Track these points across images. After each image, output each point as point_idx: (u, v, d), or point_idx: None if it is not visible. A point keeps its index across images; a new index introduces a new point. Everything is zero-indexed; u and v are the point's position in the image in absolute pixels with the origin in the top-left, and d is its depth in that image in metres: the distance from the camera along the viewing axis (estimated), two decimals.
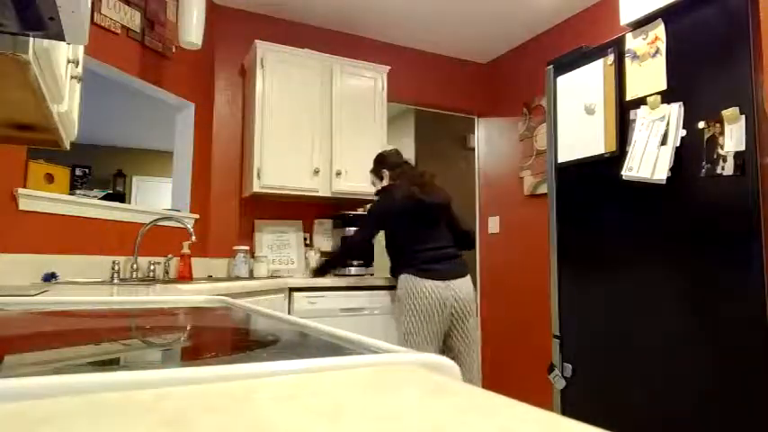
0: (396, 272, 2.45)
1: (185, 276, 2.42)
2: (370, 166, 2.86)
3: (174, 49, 2.66)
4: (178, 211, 2.71)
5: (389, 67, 3.29)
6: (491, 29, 3.45)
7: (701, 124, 1.52)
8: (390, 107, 3.51)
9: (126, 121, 5.48)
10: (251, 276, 2.85)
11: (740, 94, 1.43)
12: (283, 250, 3.12)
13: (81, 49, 1.44)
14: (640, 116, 1.70)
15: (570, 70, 2.00)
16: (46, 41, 0.86)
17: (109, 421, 0.23)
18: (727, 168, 1.44)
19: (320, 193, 2.98)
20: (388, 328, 2.76)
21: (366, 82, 3.19)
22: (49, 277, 1.89)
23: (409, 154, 4.61)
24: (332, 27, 3.43)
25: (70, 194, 2.09)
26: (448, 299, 2.28)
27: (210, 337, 0.72)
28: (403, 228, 2.40)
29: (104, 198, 3.58)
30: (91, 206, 2.15)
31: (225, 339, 0.68)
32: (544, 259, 3.22)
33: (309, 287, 2.62)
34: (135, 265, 2.27)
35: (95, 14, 2.19)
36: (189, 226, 2.31)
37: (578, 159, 1.93)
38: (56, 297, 1.02)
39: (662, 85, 1.64)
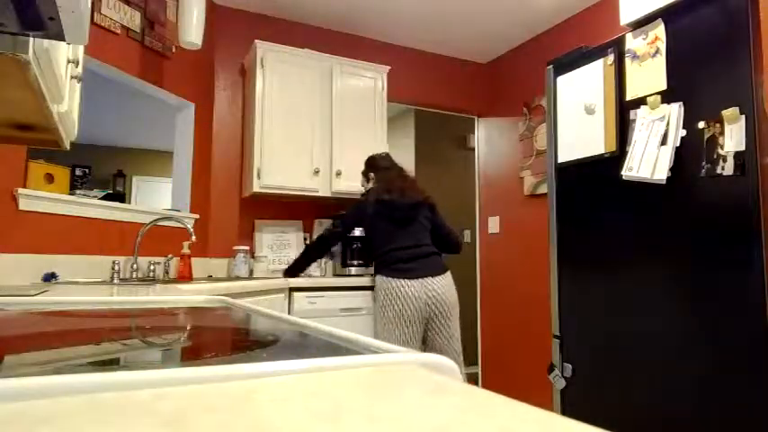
0: (374, 273, 2.49)
1: (185, 276, 2.42)
2: None
3: (173, 49, 2.66)
4: (178, 211, 2.71)
5: (389, 67, 3.29)
6: (491, 29, 3.45)
7: (701, 124, 1.52)
8: (390, 107, 3.52)
9: (126, 121, 5.48)
10: (251, 276, 2.85)
11: (740, 94, 1.43)
12: (283, 250, 3.12)
13: (81, 49, 1.44)
14: (640, 116, 1.70)
15: (570, 70, 2.00)
16: (46, 41, 0.86)
17: (108, 421, 0.23)
18: (727, 168, 1.44)
19: (320, 193, 2.98)
20: None
21: (366, 82, 3.19)
22: (49, 277, 1.89)
23: (409, 154, 4.61)
24: (332, 27, 3.43)
25: (70, 194, 2.09)
26: (421, 297, 2.27)
27: (210, 337, 0.72)
28: (376, 229, 2.44)
29: (104, 198, 3.58)
30: (91, 206, 2.15)
31: (225, 339, 0.68)
32: (544, 259, 3.22)
33: (309, 287, 2.62)
34: (135, 265, 2.27)
35: (95, 14, 2.19)
36: (189, 226, 2.31)
37: (578, 159, 1.93)
38: (56, 297, 1.02)
39: (662, 85, 1.64)
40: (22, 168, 1.89)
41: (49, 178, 2.02)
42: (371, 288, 2.76)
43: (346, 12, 3.23)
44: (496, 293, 3.72)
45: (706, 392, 1.47)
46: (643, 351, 1.66)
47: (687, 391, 1.52)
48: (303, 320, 0.68)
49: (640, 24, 1.73)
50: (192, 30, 2.44)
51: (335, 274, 3.16)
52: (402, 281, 2.28)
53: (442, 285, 2.33)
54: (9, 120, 1.20)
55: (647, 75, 1.69)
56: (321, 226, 3.27)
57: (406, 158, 4.63)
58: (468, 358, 3.87)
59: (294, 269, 2.61)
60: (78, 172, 5.63)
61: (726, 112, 1.45)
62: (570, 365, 1.91)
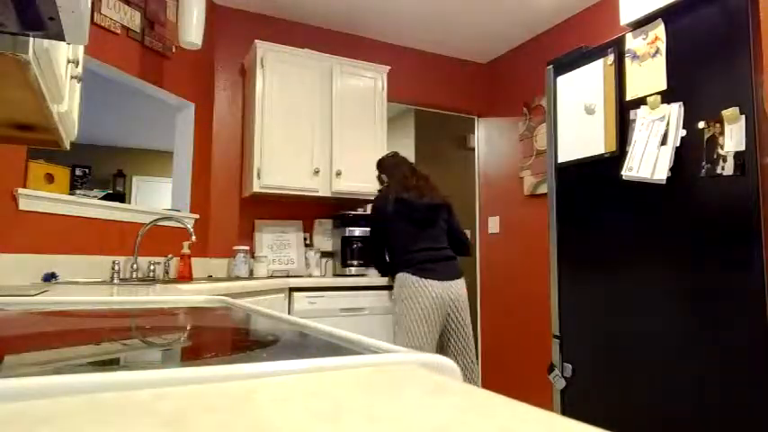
0: (392, 271, 2.48)
1: (185, 276, 2.42)
2: (371, 165, 2.86)
3: (173, 49, 2.66)
4: (178, 211, 2.71)
5: (389, 67, 3.29)
6: (491, 29, 3.45)
7: (701, 124, 1.52)
8: (390, 107, 3.52)
9: (126, 121, 5.48)
10: (251, 276, 2.85)
11: (740, 94, 1.43)
12: (283, 250, 3.12)
13: (81, 49, 1.44)
14: (640, 116, 1.70)
15: (570, 70, 2.00)
16: (46, 41, 0.86)
17: (108, 421, 0.23)
18: (727, 168, 1.44)
19: (320, 193, 2.98)
20: (388, 328, 2.76)
21: (366, 82, 3.19)
22: (49, 277, 1.89)
23: (409, 154, 4.60)
24: (332, 27, 3.43)
25: (70, 194, 2.09)
26: (444, 298, 2.33)
27: (210, 337, 0.72)
28: (397, 228, 2.44)
29: (104, 198, 3.58)
30: (91, 206, 2.15)
31: (225, 339, 0.68)
32: (544, 259, 3.22)
33: (309, 287, 2.62)
34: (135, 265, 2.27)
35: (95, 14, 2.19)
36: (189, 226, 2.31)
37: (578, 159, 1.93)
38: (56, 297, 1.02)
39: (662, 85, 1.64)
40: (22, 168, 1.89)
41: (49, 178, 2.02)
42: (372, 288, 2.76)
43: (346, 12, 3.23)
44: (496, 293, 3.72)
45: (706, 392, 1.47)
46: (643, 351, 1.66)
47: (687, 391, 1.52)
48: (303, 320, 0.68)
49: (640, 24, 1.73)
50: (192, 30, 2.44)
51: (335, 274, 3.16)
52: (427, 280, 2.32)
53: (460, 288, 2.40)
54: (9, 120, 1.20)
55: (647, 75, 1.69)
56: (321, 226, 3.27)
57: (407, 161, 4.63)
58: None
59: (385, 271, 2.68)
60: (78, 172, 5.63)
61: (726, 112, 1.45)
62: (570, 365, 1.91)
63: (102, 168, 6.25)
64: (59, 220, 2.00)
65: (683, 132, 1.57)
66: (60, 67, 1.06)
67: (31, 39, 0.78)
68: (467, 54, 3.88)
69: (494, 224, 3.79)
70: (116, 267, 2.11)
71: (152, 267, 2.37)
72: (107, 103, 4.86)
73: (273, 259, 3.06)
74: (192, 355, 0.59)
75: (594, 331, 1.83)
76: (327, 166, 3.00)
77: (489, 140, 3.92)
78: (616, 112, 1.79)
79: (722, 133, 1.46)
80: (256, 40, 2.88)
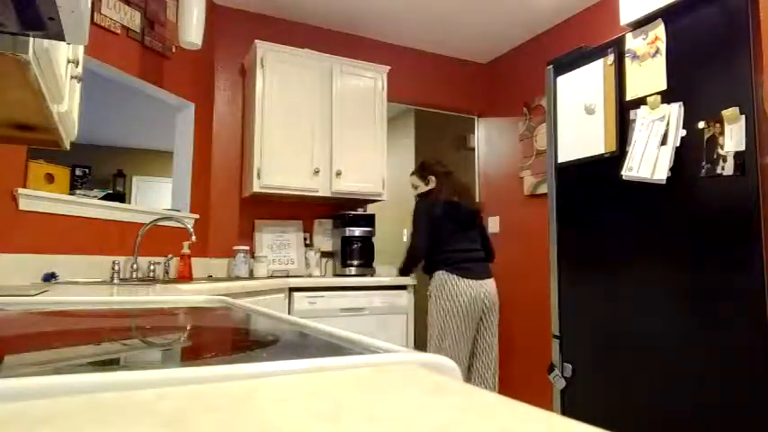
0: (431, 269, 2.58)
1: (185, 276, 2.42)
2: (371, 166, 2.86)
3: (173, 49, 2.66)
4: (178, 211, 2.71)
5: (389, 67, 3.29)
6: (491, 29, 3.45)
7: (701, 124, 1.52)
8: (390, 107, 3.52)
9: (126, 121, 5.48)
10: (251, 276, 2.85)
11: (740, 94, 1.43)
12: (283, 250, 3.12)
13: (81, 49, 1.44)
14: (640, 116, 1.70)
15: (570, 70, 2.00)
16: (46, 41, 0.86)
17: (109, 421, 0.23)
18: (727, 168, 1.44)
19: (320, 193, 2.98)
20: (389, 328, 2.76)
21: (366, 82, 3.19)
22: (49, 277, 1.89)
23: (409, 154, 4.61)
24: (332, 27, 3.43)
25: (70, 194, 2.09)
26: (480, 296, 2.50)
27: (210, 337, 0.72)
28: (443, 228, 2.57)
29: (104, 198, 3.58)
30: (91, 206, 2.15)
31: (225, 339, 0.68)
32: (544, 259, 3.22)
33: (309, 287, 2.62)
34: (135, 265, 2.27)
35: (95, 14, 2.19)
36: (189, 226, 2.31)
37: (578, 159, 1.93)
38: (56, 297, 1.02)
39: (662, 85, 1.64)
40: (22, 168, 1.89)
41: (49, 178, 2.02)
42: (371, 288, 2.76)
43: (346, 12, 3.23)
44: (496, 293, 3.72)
45: (706, 392, 1.47)
46: (643, 351, 1.66)
47: (687, 391, 1.52)
48: (303, 320, 0.68)
49: (640, 24, 1.73)
50: (192, 30, 2.44)
51: (335, 274, 3.16)
52: (466, 279, 2.48)
53: (493, 287, 2.60)
54: (9, 120, 1.20)
55: (647, 75, 1.69)
56: (321, 226, 3.27)
57: (406, 158, 4.63)
58: None
59: (406, 270, 2.78)
60: (78, 172, 5.63)
61: (726, 112, 1.45)
62: (570, 365, 1.91)
63: (102, 168, 6.25)
64: (59, 220, 2.00)
65: (683, 132, 1.57)
66: (60, 67, 1.06)
67: (31, 39, 0.78)
68: (467, 54, 3.88)
69: (494, 224, 3.79)
70: (116, 267, 2.11)
71: (152, 267, 2.37)
72: (107, 103, 4.86)
73: (273, 259, 3.06)
74: (192, 355, 0.59)
75: (594, 331, 1.83)
76: (327, 166, 3.00)
77: (489, 140, 3.92)
78: (616, 112, 1.79)
79: (722, 133, 1.46)
80: (256, 40, 2.88)
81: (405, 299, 2.86)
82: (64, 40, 0.77)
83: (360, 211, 3.27)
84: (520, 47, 3.67)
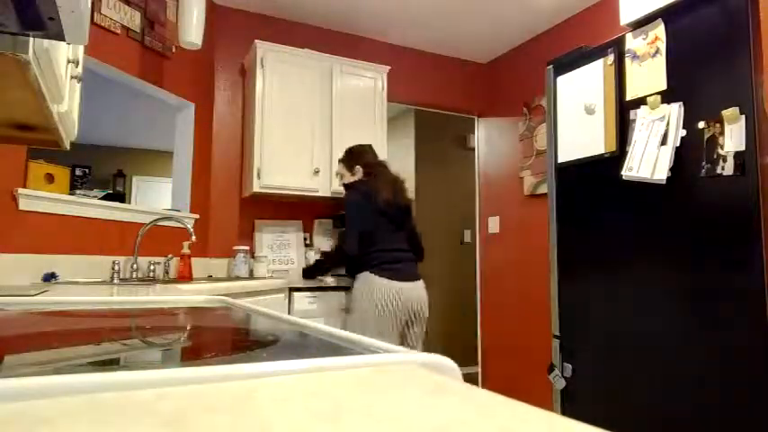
0: (356, 270, 2.37)
1: (185, 276, 2.42)
2: None
3: (173, 49, 2.66)
4: (178, 211, 2.71)
5: (389, 67, 3.29)
6: (491, 29, 3.45)
7: (701, 124, 1.52)
8: (390, 107, 3.52)
9: (126, 121, 5.48)
10: (251, 276, 2.85)
11: (740, 94, 1.43)
12: (283, 250, 3.12)
13: (81, 49, 1.44)
14: (640, 116, 1.70)
15: (570, 70, 2.00)
16: (46, 41, 0.86)
17: (109, 421, 0.23)
18: (727, 168, 1.44)
19: (320, 193, 2.98)
20: None
21: (366, 82, 3.19)
22: (49, 277, 1.89)
23: (409, 154, 4.61)
24: (332, 27, 3.43)
25: (70, 194, 2.09)
26: (409, 303, 2.30)
27: (210, 337, 0.72)
28: (377, 227, 2.34)
29: (104, 198, 3.58)
30: (91, 206, 2.15)
31: (225, 339, 0.68)
32: (544, 259, 3.22)
33: (310, 287, 2.62)
34: (135, 265, 2.27)
35: (95, 14, 2.19)
36: (189, 226, 2.31)
37: (578, 159, 1.93)
38: (56, 297, 1.02)
39: (662, 85, 1.64)
40: (22, 168, 1.89)
41: (49, 178, 2.02)
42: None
43: (346, 12, 3.23)
44: (496, 293, 3.72)
45: (706, 392, 1.47)
46: (643, 351, 1.66)
47: (687, 391, 1.52)
48: (303, 320, 0.68)
49: (640, 24, 1.73)
50: (192, 30, 2.44)
51: (335, 275, 3.16)
52: (395, 283, 2.28)
53: (424, 293, 2.41)
54: (9, 120, 1.20)
55: (647, 75, 1.69)
56: (321, 226, 3.27)
57: (406, 158, 4.63)
58: (468, 358, 3.87)
59: (313, 272, 2.64)
60: (78, 172, 5.64)
61: (726, 112, 1.45)
62: (570, 365, 1.91)
63: (102, 168, 6.25)
64: (59, 220, 2.00)
65: (683, 132, 1.57)
66: (60, 67, 1.06)
67: (31, 39, 0.78)
68: (467, 54, 3.88)
69: (494, 224, 3.79)
70: (116, 267, 2.11)
71: (152, 267, 2.37)
72: (107, 103, 4.86)
73: (273, 259, 3.06)
74: (192, 355, 0.59)
75: (594, 331, 1.83)
76: (327, 166, 3.00)
77: (489, 140, 3.92)
78: (616, 112, 1.79)
79: (722, 133, 1.46)
80: (256, 40, 2.88)
81: None
82: (64, 40, 0.77)
83: None
84: (520, 47, 3.67)
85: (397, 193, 2.40)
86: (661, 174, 1.60)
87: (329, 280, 2.66)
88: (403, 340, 2.39)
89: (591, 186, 1.88)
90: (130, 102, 4.79)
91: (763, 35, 1.39)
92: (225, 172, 3.07)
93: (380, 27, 3.43)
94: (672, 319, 1.57)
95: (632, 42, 1.75)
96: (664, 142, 1.61)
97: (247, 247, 2.90)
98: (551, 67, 2.10)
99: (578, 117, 1.95)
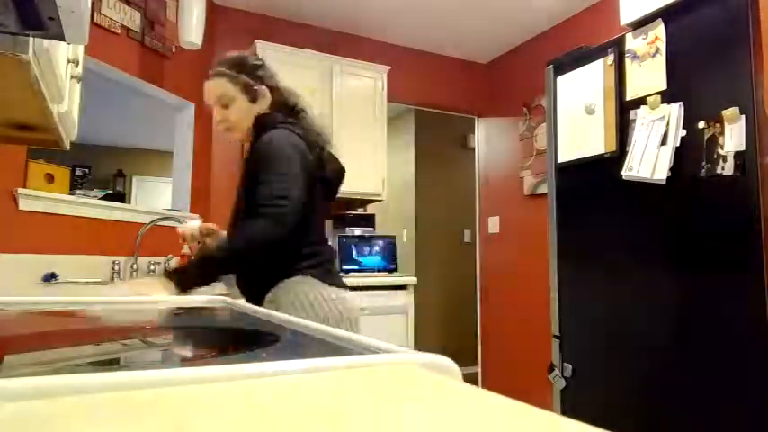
0: (282, 272, 1.30)
1: None
2: (371, 166, 2.83)
3: (173, 49, 2.66)
4: (178, 211, 2.71)
5: (389, 67, 3.28)
6: (491, 29, 3.45)
7: (701, 124, 1.52)
8: (390, 107, 3.52)
9: (126, 121, 5.48)
10: None
11: (740, 94, 1.43)
12: None
13: (81, 49, 1.44)
14: (640, 116, 1.70)
15: (570, 70, 2.00)
16: (46, 41, 0.86)
17: (109, 421, 0.23)
18: (727, 168, 1.44)
19: None
20: (389, 328, 2.76)
21: (366, 82, 3.19)
22: (49, 277, 1.89)
23: (409, 154, 4.60)
24: (332, 27, 3.43)
25: (70, 194, 2.09)
26: (349, 321, 1.33)
27: (210, 337, 0.72)
28: (311, 200, 1.31)
29: (104, 198, 3.57)
30: (91, 206, 2.15)
31: (225, 339, 0.68)
32: (544, 259, 3.22)
33: None
34: (135, 265, 2.27)
35: (95, 14, 2.19)
36: None
37: (578, 159, 1.93)
38: (56, 297, 1.02)
39: (662, 85, 1.64)
40: (22, 168, 1.89)
41: (49, 178, 2.02)
42: (371, 288, 2.75)
43: (346, 12, 3.23)
44: (496, 293, 3.72)
45: (706, 392, 1.47)
46: (643, 351, 1.65)
47: (687, 390, 1.52)
48: (303, 321, 0.68)
49: (640, 24, 1.73)
50: (192, 30, 2.44)
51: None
52: (339, 292, 1.34)
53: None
54: (9, 120, 1.20)
55: (647, 75, 1.69)
56: None
57: (406, 158, 4.63)
58: (469, 358, 3.87)
59: (194, 278, 1.20)
60: (78, 172, 5.61)
61: (726, 112, 1.45)
62: (570, 365, 1.91)
63: (102, 168, 6.24)
64: (59, 220, 2.00)
65: (683, 132, 1.57)
66: (60, 67, 1.06)
67: (31, 39, 0.78)
68: (467, 54, 3.87)
69: (494, 224, 3.79)
70: (116, 267, 2.11)
71: (152, 267, 2.37)
72: (107, 103, 4.86)
73: None
74: (192, 355, 0.59)
75: (594, 331, 1.83)
76: None
77: (489, 140, 3.92)
78: (616, 112, 1.79)
79: (722, 133, 1.46)
80: (256, 40, 2.88)
81: (404, 299, 2.86)
82: (64, 40, 0.77)
83: (360, 211, 3.27)
84: (520, 47, 3.67)
85: (331, 154, 1.53)
86: (661, 174, 1.60)
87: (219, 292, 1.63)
88: None
89: (591, 186, 1.88)
90: (130, 102, 4.78)
91: (763, 35, 1.39)
92: (225, 172, 3.07)
93: (380, 27, 3.43)
94: (672, 319, 1.57)
95: (632, 42, 1.75)
96: (664, 142, 1.61)
97: None
98: (551, 67, 2.10)
99: (578, 117, 1.95)
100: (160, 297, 1.07)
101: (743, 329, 1.39)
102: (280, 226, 1.19)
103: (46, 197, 1.92)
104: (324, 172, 1.43)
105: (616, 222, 1.77)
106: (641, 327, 1.66)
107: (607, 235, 1.80)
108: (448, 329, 4.37)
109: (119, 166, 6.43)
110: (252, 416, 0.25)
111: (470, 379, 3.68)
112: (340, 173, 1.58)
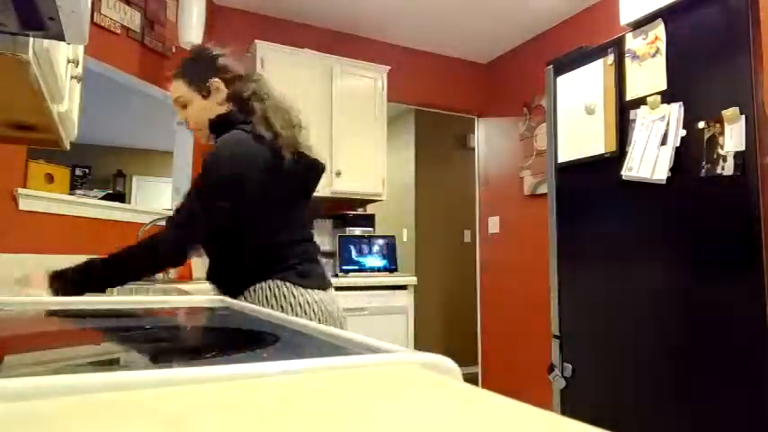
0: (253, 276, 1.26)
1: (185, 276, 2.42)
2: (371, 166, 2.83)
3: (173, 49, 2.66)
4: None
5: (389, 67, 3.28)
6: (491, 29, 3.45)
7: (701, 124, 1.52)
8: (390, 107, 3.52)
9: (126, 121, 5.48)
10: None
11: (740, 94, 1.43)
12: None
13: (81, 49, 1.44)
14: (640, 116, 1.70)
15: (570, 70, 2.00)
16: (46, 41, 0.86)
17: (109, 421, 0.23)
18: (727, 168, 1.44)
19: (320, 194, 2.97)
20: (389, 329, 2.76)
21: (366, 82, 3.19)
22: None
23: (409, 154, 4.60)
24: (332, 27, 3.43)
25: (70, 194, 2.09)
26: (338, 318, 1.32)
27: (211, 337, 0.72)
28: (268, 200, 1.30)
29: (104, 198, 3.57)
30: (91, 206, 2.15)
31: (225, 339, 0.68)
32: (544, 259, 3.22)
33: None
34: None
35: (95, 14, 2.19)
36: None
37: (578, 159, 1.93)
38: (55, 297, 1.02)
39: (662, 85, 1.64)
40: (22, 168, 1.89)
41: (49, 178, 2.02)
42: (372, 288, 2.76)
43: (346, 12, 3.23)
44: (496, 293, 3.72)
45: (706, 392, 1.47)
46: (643, 351, 1.66)
47: (687, 390, 1.52)
48: (303, 321, 0.68)
49: (640, 24, 1.73)
50: (192, 30, 2.44)
51: (335, 274, 3.16)
52: (320, 293, 1.29)
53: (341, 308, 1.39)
54: (9, 120, 1.20)
55: (647, 75, 1.69)
56: (320, 226, 3.27)
57: (406, 158, 4.63)
58: (469, 358, 3.87)
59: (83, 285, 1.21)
60: (78, 172, 5.63)
61: (726, 112, 1.45)
62: (570, 365, 1.91)
63: (102, 168, 6.25)
64: (59, 220, 2.00)
65: (683, 132, 1.57)
66: (60, 67, 1.06)
67: (31, 39, 0.78)
68: (467, 54, 3.88)
69: (494, 224, 3.79)
70: None
71: None
72: (107, 103, 4.86)
73: None
74: (192, 355, 0.59)
75: (594, 331, 1.83)
76: (327, 166, 2.98)
77: (489, 140, 3.92)
78: (616, 112, 1.79)
79: (722, 133, 1.46)
80: (256, 40, 2.88)
81: (405, 299, 2.86)
82: (64, 40, 0.77)
83: (360, 211, 3.27)
84: (520, 47, 3.67)
85: (297, 141, 1.45)
86: (661, 174, 1.60)
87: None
88: None
89: (591, 186, 1.88)
90: (130, 102, 4.78)
91: (763, 35, 1.39)
92: None
93: (380, 27, 3.43)
94: (672, 319, 1.57)
95: (632, 42, 1.75)
96: (664, 142, 1.61)
97: None
98: (551, 67, 2.10)
99: (578, 117, 1.95)
100: (160, 297, 1.07)
101: (743, 329, 1.39)
102: (170, 246, 1.20)
103: (46, 197, 1.92)
104: (281, 165, 1.32)
105: (616, 222, 1.77)
106: (641, 327, 1.66)
107: (607, 235, 1.80)
108: (448, 329, 4.37)
109: (119, 166, 6.43)
110: (252, 416, 0.25)
111: (470, 379, 3.69)
112: (313, 167, 1.49)
